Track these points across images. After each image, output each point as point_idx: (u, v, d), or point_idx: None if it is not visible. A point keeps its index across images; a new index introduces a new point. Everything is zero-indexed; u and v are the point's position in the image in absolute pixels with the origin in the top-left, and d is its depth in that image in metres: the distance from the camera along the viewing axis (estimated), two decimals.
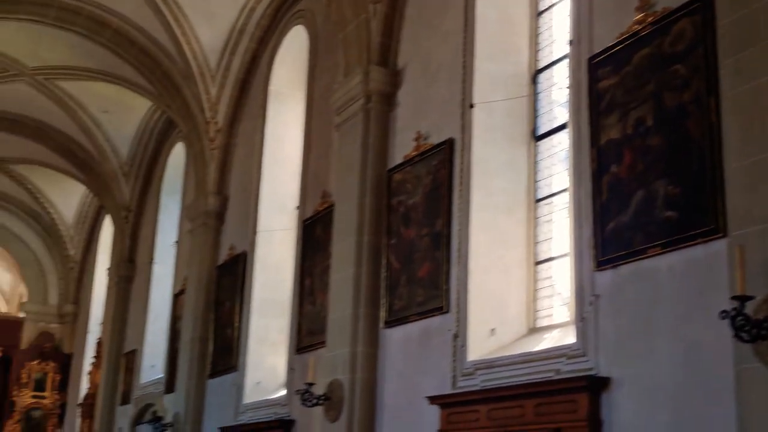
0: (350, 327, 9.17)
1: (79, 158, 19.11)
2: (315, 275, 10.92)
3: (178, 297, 15.71)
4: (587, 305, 6.61)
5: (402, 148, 9.38)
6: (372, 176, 9.56)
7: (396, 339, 8.88)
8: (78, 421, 20.79)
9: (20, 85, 17.04)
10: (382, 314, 9.08)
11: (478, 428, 7.31)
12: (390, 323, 8.96)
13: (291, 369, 11.11)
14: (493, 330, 7.86)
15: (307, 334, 10.83)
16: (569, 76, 7.48)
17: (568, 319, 7.37)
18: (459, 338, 7.93)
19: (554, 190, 8.07)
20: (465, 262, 8.06)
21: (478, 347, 7.83)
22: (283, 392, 11.38)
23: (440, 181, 8.63)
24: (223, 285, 13.67)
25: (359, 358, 9.06)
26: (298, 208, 11.98)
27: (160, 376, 16.17)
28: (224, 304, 13.51)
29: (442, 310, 8.21)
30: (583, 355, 6.57)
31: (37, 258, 23.96)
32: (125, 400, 17.89)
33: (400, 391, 8.66)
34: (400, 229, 9.09)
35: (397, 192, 9.26)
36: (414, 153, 9.11)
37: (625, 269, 6.34)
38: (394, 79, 9.80)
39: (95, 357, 20.20)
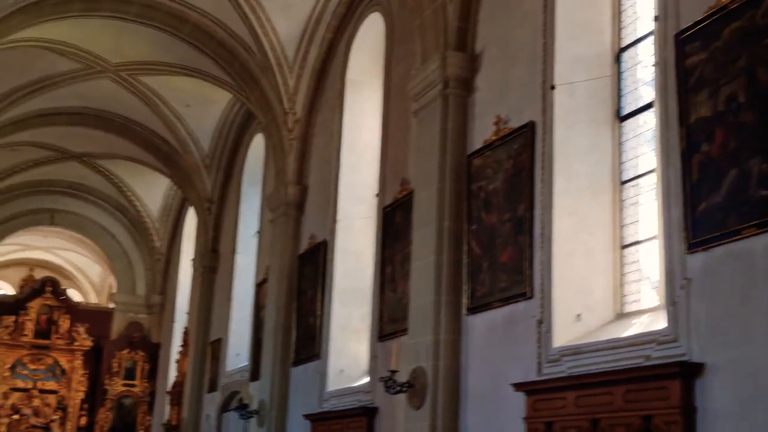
0: (432, 314, 9.09)
1: (162, 152, 19.50)
2: (396, 263, 10.88)
3: (260, 286, 15.89)
4: (678, 289, 6.38)
5: (481, 133, 9.24)
6: (451, 162, 9.44)
7: (479, 326, 8.77)
8: (167, 408, 21.27)
9: (104, 81, 17.44)
10: (465, 301, 8.98)
11: (565, 415, 7.15)
12: (472, 310, 8.85)
13: (373, 356, 11.11)
14: (578, 316, 7.69)
15: (388, 322, 10.80)
16: (655, 54, 7.23)
17: (657, 303, 7.15)
18: (544, 324, 7.78)
19: (640, 172, 7.83)
20: (548, 247, 7.89)
21: (564, 333, 7.67)
22: (366, 380, 11.38)
23: (521, 166, 8.47)
24: (305, 274, 13.76)
25: (442, 345, 8.98)
26: (377, 195, 11.95)
27: (245, 364, 16.41)
28: (306, 292, 13.60)
29: (525, 295, 8.06)
30: (675, 341, 6.35)
31: (124, 250, 24.60)
32: (212, 388, 18.22)
33: (484, 378, 8.56)
34: (481, 214, 8.96)
35: (477, 177, 9.13)
36: (494, 137, 8.96)
37: (718, 251, 6.09)
38: (472, 63, 9.65)
39: (182, 346, 20.62)
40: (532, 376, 7.75)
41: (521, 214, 8.32)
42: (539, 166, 8.22)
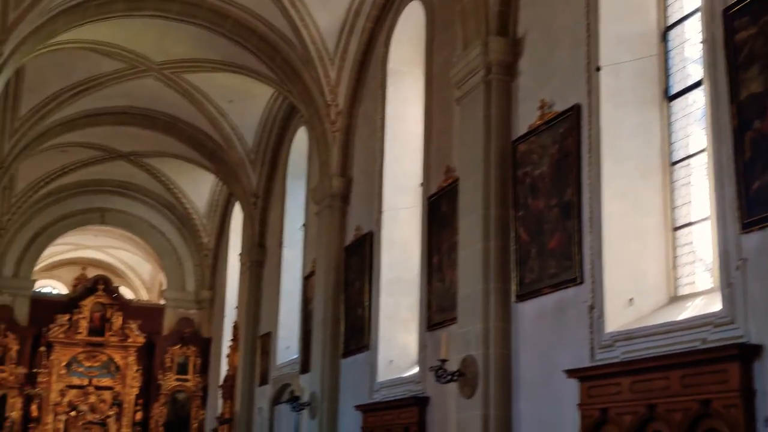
0: (481, 302, 9.02)
1: (207, 148, 19.65)
2: (442, 252, 10.82)
3: (308, 279, 15.95)
4: (734, 270, 6.23)
5: (526, 118, 9.12)
6: (496, 148, 9.35)
7: (529, 313, 8.68)
8: (219, 402, 21.48)
9: (148, 80, 17.62)
10: (513, 288, 8.89)
11: (620, 401, 7.05)
12: (522, 297, 8.76)
13: (423, 346, 11.07)
14: (631, 300, 7.56)
15: (437, 311, 10.76)
16: (703, 31, 7.06)
17: (711, 285, 7.00)
18: (595, 309, 7.67)
19: (691, 152, 7.66)
20: (598, 230, 7.77)
21: (616, 318, 7.54)
22: (416, 370, 11.35)
23: (568, 150, 8.34)
24: (352, 265, 13.76)
25: (492, 333, 8.91)
26: (421, 185, 11.89)
27: (294, 356, 16.50)
28: (353, 284, 13.61)
29: (576, 281, 7.95)
30: (732, 323, 6.20)
31: (173, 247, 24.88)
32: (263, 381, 18.36)
33: (536, 366, 8.47)
34: (528, 200, 8.86)
35: (522, 163, 9.03)
36: (539, 122, 8.85)
37: None
38: (515, 48, 9.54)
39: (232, 340, 20.78)
40: (585, 363, 7.64)
41: (569, 199, 8.20)
42: (586, 150, 8.09)
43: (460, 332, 9.40)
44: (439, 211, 11.02)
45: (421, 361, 11.07)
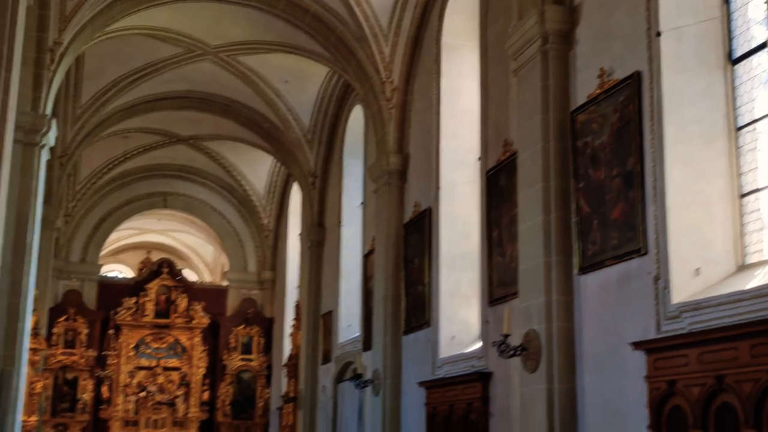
0: (543, 276, 8.91)
1: (264, 130, 19.79)
2: (502, 226, 10.72)
3: (367, 257, 15.99)
4: None
5: (585, 87, 8.94)
6: (555, 119, 9.19)
7: (592, 285, 8.55)
8: (284, 380, 21.77)
9: (205, 64, 17.78)
10: (576, 261, 8.77)
11: (687, 373, 6.90)
12: (584, 269, 8.63)
13: (485, 321, 11.01)
14: (697, 270, 7.38)
15: (498, 286, 10.68)
16: None
17: None
18: (660, 280, 7.51)
19: (757, 116, 7.42)
20: (662, 199, 7.59)
21: (682, 289, 7.37)
22: (479, 345, 11.31)
23: (629, 118, 8.16)
24: (411, 242, 13.75)
25: (554, 306, 8.80)
26: (479, 159, 11.78)
27: (356, 335, 16.58)
28: (413, 261, 13.59)
29: (640, 252, 7.80)
30: None
31: (234, 229, 25.19)
32: (326, 359, 18.52)
33: (600, 339, 8.35)
34: (588, 171, 8.70)
35: (582, 133, 8.86)
36: (598, 91, 8.66)
37: None
38: (571, 15, 9.33)
39: (295, 319, 21.02)
40: (651, 335, 7.50)
41: (631, 168, 8.03)
42: (648, 117, 7.90)
43: (522, 306, 9.32)
44: (498, 185, 10.91)
45: (483, 336, 11.03)
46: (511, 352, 9.17)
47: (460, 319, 12.36)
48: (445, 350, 12.30)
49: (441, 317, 12.48)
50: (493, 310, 10.71)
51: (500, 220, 10.78)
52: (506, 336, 9.24)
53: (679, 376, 6.98)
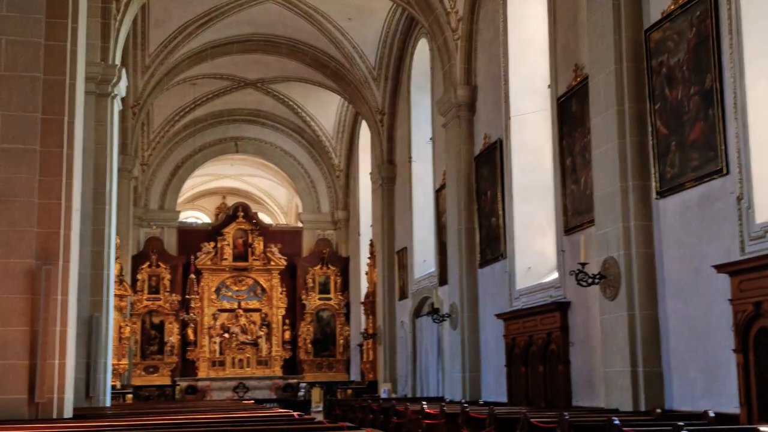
0: (620, 202, 8.70)
1: (330, 69, 19.68)
2: (575, 153, 10.49)
3: (439, 192, 15.90)
4: None
5: (658, 4, 8.57)
6: (627, 40, 8.86)
7: (671, 208, 8.31)
8: (362, 318, 22.02)
9: (268, 5, 17.69)
10: (654, 184, 8.52)
11: None
12: (663, 193, 8.39)
13: (561, 251, 10.87)
14: None
15: (573, 215, 10.50)
16: None
17: None
18: (744, 200, 7.24)
19: None
20: (743, 116, 7.28)
21: (767, 208, 7.11)
22: (555, 275, 11.20)
23: (706, 33, 7.80)
24: (482, 174, 13.59)
25: (633, 232, 8.60)
26: (549, 86, 11.50)
27: (432, 270, 16.60)
28: (486, 193, 13.46)
29: (721, 172, 7.52)
30: None
31: (306, 171, 25.31)
32: (403, 295, 18.63)
33: (681, 263, 8.14)
34: (665, 91, 8.39)
35: (657, 53, 8.52)
36: (672, 7, 8.30)
37: None
38: None
39: (370, 257, 21.14)
40: (735, 256, 7.27)
41: (710, 86, 7.70)
42: (726, 31, 7.54)
43: (599, 234, 9.14)
44: (570, 112, 10.64)
45: (560, 266, 10.90)
46: (590, 281, 9.03)
47: (535, 250, 12.23)
48: (522, 281, 12.22)
49: (516, 249, 12.37)
50: (569, 239, 10.55)
51: (573, 147, 10.55)
52: (583, 264, 9.10)
53: (766, 297, 6.77)
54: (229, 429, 5.70)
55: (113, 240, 12.93)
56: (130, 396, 17.61)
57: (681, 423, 5.08)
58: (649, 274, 8.51)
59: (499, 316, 12.51)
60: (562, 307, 10.67)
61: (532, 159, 12.42)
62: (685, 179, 8.03)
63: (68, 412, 7.67)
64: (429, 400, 13.59)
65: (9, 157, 7.59)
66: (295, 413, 7.65)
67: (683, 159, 8.07)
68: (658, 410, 7.68)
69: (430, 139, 16.97)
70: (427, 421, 9.50)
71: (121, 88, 13.20)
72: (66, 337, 7.61)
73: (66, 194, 7.70)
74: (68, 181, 7.76)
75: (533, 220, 12.29)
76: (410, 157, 18.19)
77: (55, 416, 7.42)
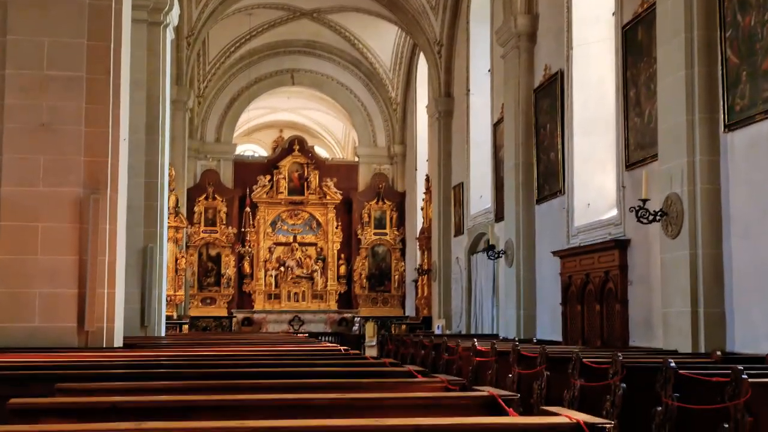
0: (685, 135, 8.33)
1: None
2: (639, 84, 10.09)
3: (497, 125, 15.60)
4: None
5: None
6: None
7: (740, 143, 7.92)
8: (418, 253, 21.98)
9: None
10: (722, 117, 8.12)
11: None
12: (732, 126, 7.99)
13: (621, 187, 10.57)
14: None
15: (635, 149, 10.16)
16: None
17: None
18: None
19: None
20: None
21: None
22: (615, 212, 10.92)
23: None
24: (542, 107, 13.26)
25: (698, 167, 8.24)
26: (614, 14, 11.04)
27: (488, 206, 16.40)
28: (545, 127, 13.14)
29: None
30: None
31: (362, 104, 25.08)
32: (458, 231, 18.49)
33: (749, 200, 7.79)
34: (737, 18, 7.92)
35: None
36: None
37: None
38: None
39: (425, 193, 21.00)
40: None
41: None
42: None
43: (662, 169, 8.80)
44: (635, 41, 10.20)
45: (620, 202, 10.61)
46: (650, 218, 8.75)
47: (595, 186, 11.95)
48: (580, 218, 11.98)
49: (575, 184, 12.10)
50: (630, 175, 10.25)
51: (638, 78, 10.15)
52: (644, 201, 8.81)
53: None
54: (271, 361, 5.66)
55: (166, 171, 12.97)
56: (186, 327, 17.91)
57: (741, 367, 4.85)
58: (714, 211, 8.18)
59: (555, 253, 12.32)
60: (621, 245, 10.42)
61: (594, 91, 12.04)
62: (756, 112, 7.62)
63: (118, 341, 7.74)
64: (482, 337, 13.53)
65: (55, 84, 7.53)
66: (342, 348, 7.59)
67: (754, 90, 7.66)
68: (718, 353, 7.43)
69: (489, 70, 16.60)
70: (477, 359, 9.40)
71: (174, 17, 13.08)
72: (115, 266, 7.63)
73: (113, 123, 7.64)
74: (115, 110, 7.69)
75: (593, 154, 11.98)
76: (468, 90, 17.86)
77: (105, 345, 7.49)
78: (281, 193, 24.06)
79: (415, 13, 19.00)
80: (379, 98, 24.80)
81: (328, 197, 24.23)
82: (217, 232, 23.41)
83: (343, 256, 24.42)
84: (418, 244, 21.67)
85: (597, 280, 10.99)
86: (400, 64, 23.73)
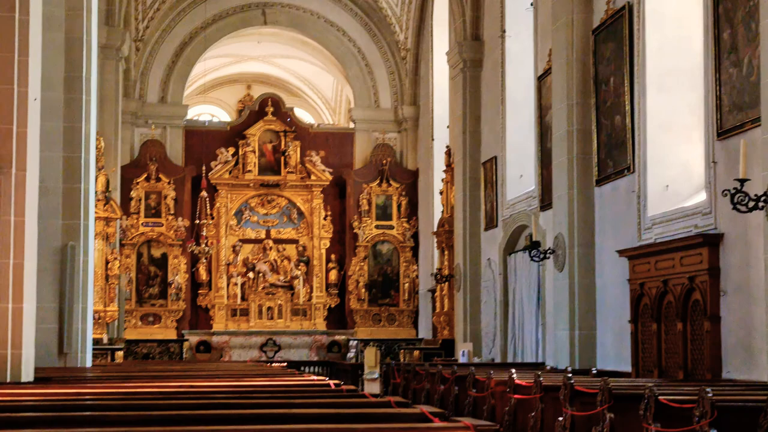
0: None
1: None
2: (736, 23, 10.15)
3: (542, 80, 15.65)
4: None
5: None
6: None
7: None
8: (435, 253, 21.99)
9: None
10: None
11: None
12: None
13: (712, 163, 10.63)
14: None
15: (731, 111, 10.21)
16: None
17: None
18: None
19: None
20: None
21: None
22: (703, 196, 10.99)
23: None
24: (603, 55, 13.34)
25: None
26: None
27: (531, 188, 16.44)
28: (608, 81, 13.21)
29: None
30: None
31: (360, 50, 25.08)
32: (490, 224, 18.52)
33: None
34: None
35: None
36: None
37: None
38: None
39: (446, 171, 20.99)
40: None
41: None
42: None
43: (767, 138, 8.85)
44: None
45: (710, 183, 10.67)
46: (752, 204, 8.78)
47: (676, 161, 12.03)
48: (656, 205, 12.04)
49: (649, 159, 12.16)
50: (724, 146, 10.32)
51: (733, 15, 10.21)
52: (743, 182, 8.84)
53: None
54: (235, 401, 5.67)
55: (93, 143, 13.00)
56: (120, 354, 17.98)
57: None
58: None
59: (622, 252, 12.36)
60: (711, 241, 10.48)
61: (675, 32, 12.14)
62: None
63: (27, 374, 7.79)
64: (523, 367, 13.56)
65: None
66: (332, 382, 7.63)
67: None
68: None
69: (531, 4, 16.65)
70: (516, 396, 9.44)
71: None
72: (22, 272, 7.67)
73: (19, 76, 7.68)
74: (22, 59, 7.72)
75: (674, 118, 12.07)
76: (503, 32, 17.91)
77: (9, 379, 7.53)
78: (249, 171, 24.10)
79: None
80: (383, 43, 24.80)
81: (313, 177, 24.26)
82: (163, 225, 23.47)
83: (333, 257, 24.46)
84: (435, 240, 21.71)
85: (678, 289, 11.04)
86: None
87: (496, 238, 18.21)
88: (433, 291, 22.13)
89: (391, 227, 24.67)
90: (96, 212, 15.83)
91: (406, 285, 24.56)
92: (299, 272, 24.28)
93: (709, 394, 6.07)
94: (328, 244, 24.46)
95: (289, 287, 24.29)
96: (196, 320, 23.91)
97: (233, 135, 24.42)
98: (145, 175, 23.37)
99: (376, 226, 24.58)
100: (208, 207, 22.27)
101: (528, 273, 16.43)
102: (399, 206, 24.67)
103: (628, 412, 6.97)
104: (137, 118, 23.79)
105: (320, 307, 24.27)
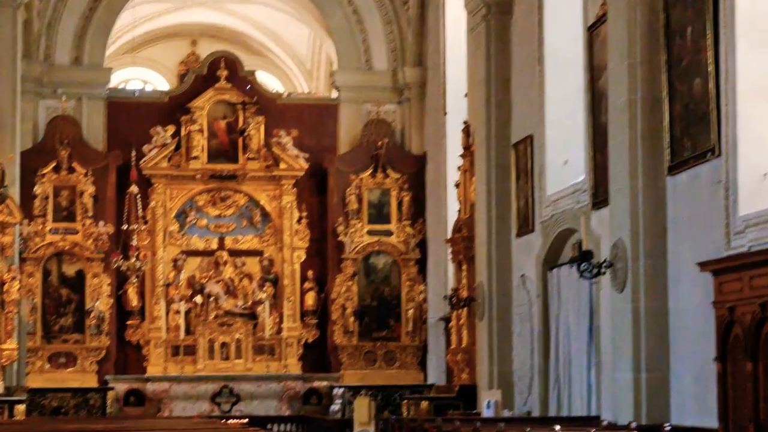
0: None
1: None
2: None
3: (593, 30, 15.71)
4: None
5: None
6: None
7: None
8: (450, 269, 22.02)
9: None
10: None
11: None
12: None
13: None
14: None
15: None
16: None
17: None
18: None
19: None
20: None
21: None
22: None
23: None
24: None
25: None
26: None
27: (579, 179, 16.46)
28: (683, 32, 13.27)
29: None
30: None
31: None
32: (525, 228, 18.55)
33: None
34: None
35: None
36: None
37: None
38: None
39: (464, 156, 21.02)
40: None
41: None
42: None
43: None
44: None
45: None
46: None
47: None
48: (751, 201, 12.08)
49: (740, 138, 12.20)
50: None
51: None
52: None
53: None
54: None
55: None
56: (21, 408, 17.99)
57: None
58: None
59: (705, 266, 12.36)
60: None
61: None
62: None
63: None
64: (571, 423, 13.59)
65: None
66: None
67: None
68: None
69: None
70: None
71: None
72: None
73: None
74: None
75: None
76: None
77: None
78: (196, 158, 24.16)
79: None
80: None
81: (282, 166, 24.32)
82: (78, 233, 23.52)
83: (311, 274, 24.51)
84: (449, 251, 21.74)
85: None
86: None
87: (532, 247, 18.28)
88: (446, 320, 22.18)
89: (389, 233, 24.74)
90: None
91: (410, 312, 24.63)
92: (264, 295, 24.33)
93: None
94: (304, 257, 24.51)
95: (251, 316, 24.36)
96: (125, 362, 23.96)
97: (173, 109, 24.46)
98: (54, 164, 23.43)
99: (369, 232, 24.65)
100: (139, 207, 22.34)
101: (576, 294, 16.46)
102: (400, 204, 24.75)
103: None
104: (42, 86, 23.88)
105: (293, 343, 24.31)
